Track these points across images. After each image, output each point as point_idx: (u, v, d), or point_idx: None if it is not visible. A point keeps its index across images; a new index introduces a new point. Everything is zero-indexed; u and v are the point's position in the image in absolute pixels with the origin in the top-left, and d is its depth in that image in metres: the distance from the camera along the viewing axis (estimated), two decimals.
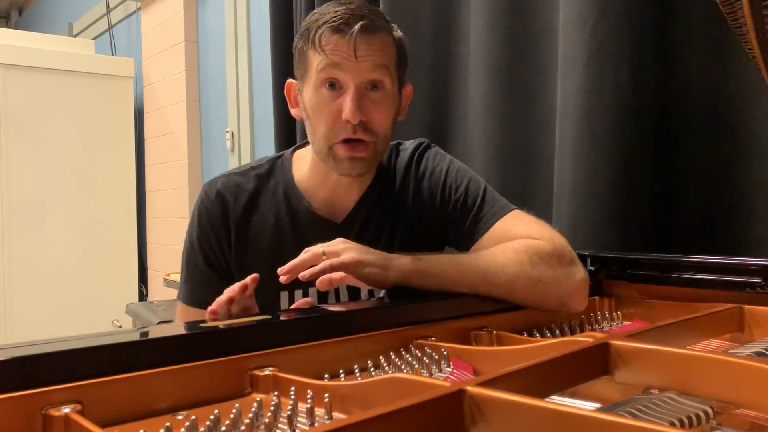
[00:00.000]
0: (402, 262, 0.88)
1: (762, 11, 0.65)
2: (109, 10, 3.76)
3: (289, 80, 1.05)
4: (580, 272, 0.94)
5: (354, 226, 1.04)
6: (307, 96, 0.98)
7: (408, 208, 1.06)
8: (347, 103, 0.92)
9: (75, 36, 4.12)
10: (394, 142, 1.12)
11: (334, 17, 0.92)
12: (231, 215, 1.02)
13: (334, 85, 0.94)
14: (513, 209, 1.02)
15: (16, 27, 5.35)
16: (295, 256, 0.87)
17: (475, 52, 1.57)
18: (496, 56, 1.50)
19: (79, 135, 3.21)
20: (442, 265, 0.90)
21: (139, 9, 3.51)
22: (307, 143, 1.06)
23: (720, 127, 1.19)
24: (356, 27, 0.91)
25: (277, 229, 1.02)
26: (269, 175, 1.06)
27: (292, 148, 1.10)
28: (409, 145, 1.11)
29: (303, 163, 1.05)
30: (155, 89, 3.36)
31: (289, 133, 2.26)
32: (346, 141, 0.95)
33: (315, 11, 0.98)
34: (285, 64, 2.28)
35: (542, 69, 1.46)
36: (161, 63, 3.29)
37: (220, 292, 0.83)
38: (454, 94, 1.70)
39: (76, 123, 3.20)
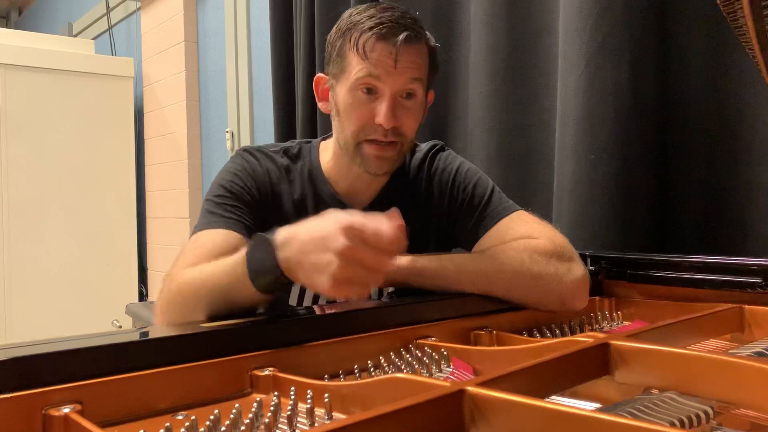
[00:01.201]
0: (400, 262, 0.89)
1: (762, 11, 0.65)
2: (109, 10, 3.75)
3: (319, 74, 1.06)
4: (580, 269, 0.95)
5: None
6: (341, 94, 0.99)
7: (419, 206, 1.08)
8: (382, 109, 0.94)
9: (75, 36, 4.11)
10: None
11: (379, 23, 0.93)
12: (261, 179, 1.02)
13: (371, 90, 0.96)
14: (517, 209, 1.04)
15: (16, 27, 5.35)
16: None
17: (475, 52, 1.57)
18: (496, 56, 1.50)
19: (79, 135, 3.21)
20: (441, 265, 0.92)
21: (139, 9, 3.50)
22: (331, 135, 1.08)
23: (720, 127, 1.19)
24: (401, 37, 0.92)
25: (300, 206, 1.04)
26: (299, 156, 1.08)
27: (319, 138, 1.12)
28: (424, 147, 1.13)
29: (327, 153, 1.07)
30: (155, 89, 3.36)
31: (289, 133, 2.26)
32: (376, 142, 0.97)
33: (356, 10, 0.98)
34: (285, 64, 2.28)
35: (542, 69, 1.46)
36: (161, 63, 3.29)
37: (247, 227, 0.90)
38: (454, 94, 1.70)
39: (76, 123, 3.20)
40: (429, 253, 0.94)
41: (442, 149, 1.13)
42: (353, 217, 0.68)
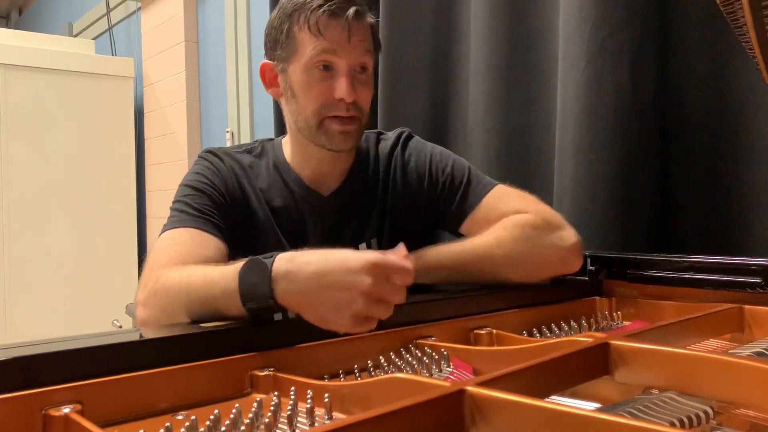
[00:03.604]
0: None
1: (762, 11, 0.65)
2: (109, 10, 3.75)
3: (264, 62, 1.07)
4: (571, 234, 1.00)
5: (342, 200, 1.08)
6: (295, 75, 1.00)
7: (396, 193, 1.10)
8: (342, 84, 0.97)
9: (75, 36, 4.11)
10: (376, 131, 1.17)
11: (328, 1, 0.96)
12: (226, 175, 1.04)
13: (327, 67, 0.98)
14: (497, 184, 1.08)
15: (16, 27, 5.34)
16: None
17: (475, 52, 1.57)
18: (496, 56, 1.50)
19: (79, 135, 3.21)
20: (440, 259, 0.95)
21: (139, 9, 3.50)
22: None
23: (720, 127, 1.19)
24: (351, 12, 0.96)
25: (267, 194, 1.06)
26: (262, 153, 1.11)
27: (280, 137, 1.14)
28: (391, 135, 1.16)
29: (288, 146, 1.10)
30: (155, 89, 3.36)
31: None
32: (338, 117, 0.99)
33: None
34: None
35: (542, 69, 1.46)
36: (161, 63, 3.28)
37: (219, 228, 0.92)
38: (454, 94, 1.70)
39: (76, 123, 3.20)
40: (418, 251, 0.94)
41: (411, 135, 1.16)
42: (375, 255, 0.65)
